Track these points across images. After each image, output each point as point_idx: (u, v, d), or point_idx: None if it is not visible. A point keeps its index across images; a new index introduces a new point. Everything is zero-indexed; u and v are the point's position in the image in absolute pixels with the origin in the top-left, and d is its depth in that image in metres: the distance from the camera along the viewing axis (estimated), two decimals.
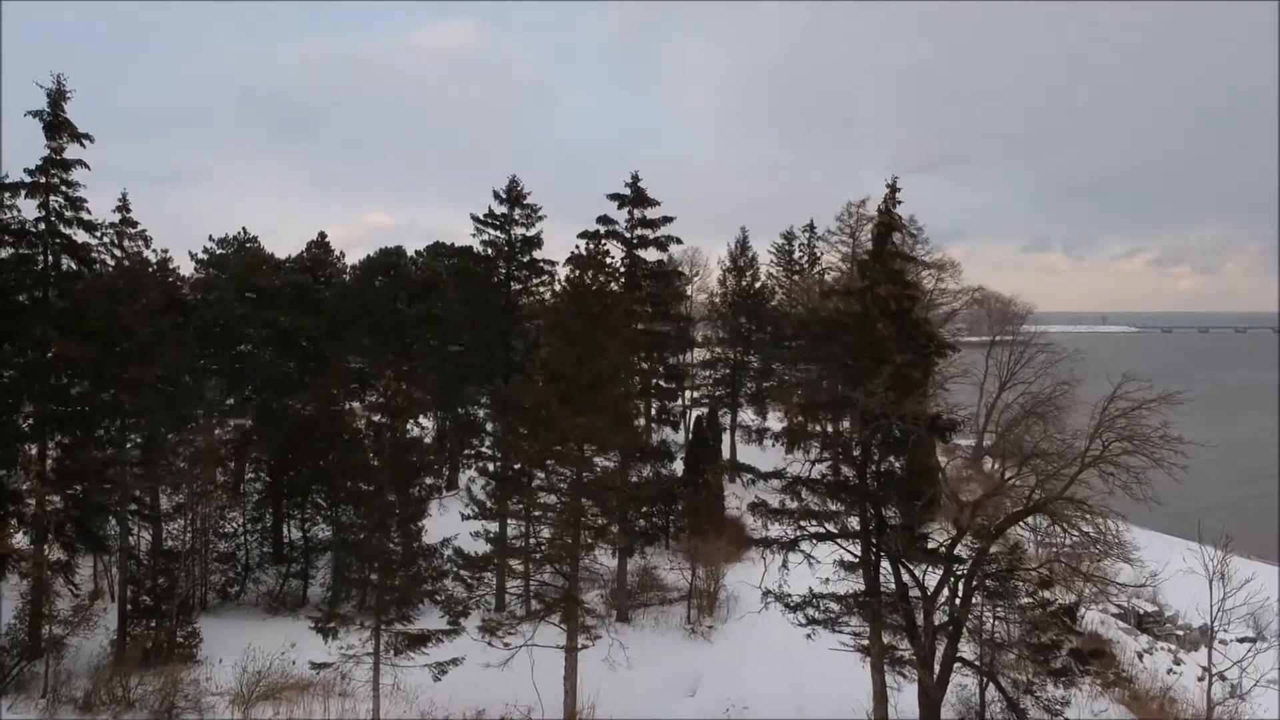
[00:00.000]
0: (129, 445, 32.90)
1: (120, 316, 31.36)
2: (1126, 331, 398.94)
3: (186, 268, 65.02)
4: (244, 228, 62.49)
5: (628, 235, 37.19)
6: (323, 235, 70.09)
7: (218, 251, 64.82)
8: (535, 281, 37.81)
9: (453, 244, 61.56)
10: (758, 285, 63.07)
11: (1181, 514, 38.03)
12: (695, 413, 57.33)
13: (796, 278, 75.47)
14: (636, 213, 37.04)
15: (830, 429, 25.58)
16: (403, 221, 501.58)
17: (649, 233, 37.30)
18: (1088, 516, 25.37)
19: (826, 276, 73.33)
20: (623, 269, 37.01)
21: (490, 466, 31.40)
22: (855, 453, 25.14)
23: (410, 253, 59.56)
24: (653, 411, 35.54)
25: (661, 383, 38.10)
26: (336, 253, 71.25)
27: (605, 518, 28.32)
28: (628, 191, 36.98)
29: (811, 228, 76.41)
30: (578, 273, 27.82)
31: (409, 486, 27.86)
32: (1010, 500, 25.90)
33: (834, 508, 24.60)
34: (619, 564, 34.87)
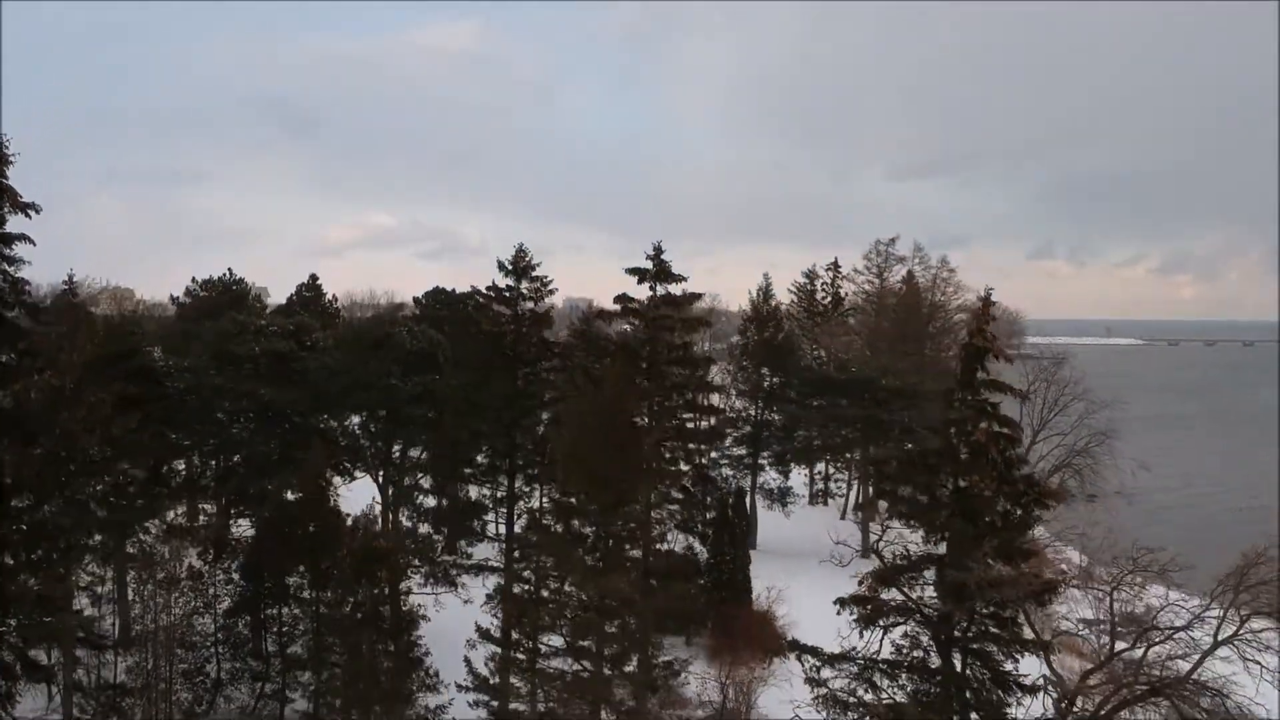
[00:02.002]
0: (77, 568, 28.44)
1: (62, 422, 26.89)
2: (1132, 344, 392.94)
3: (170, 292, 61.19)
4: (229, 268, 58.44)
5: (650, 316, 32.50)
6: (314, 278, 65.94)
7: (201, 294, 60.52)
8: (545, 366, 33.31)
9: (453, 290, 57.13)
10: (780, 336, 58.43)
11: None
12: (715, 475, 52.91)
13: (819, 317, 71.39)
14: (659, 289, 32.39)
15: (907, 591, 21.12)
16: (405, 221, 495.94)
17: (673, 313, 32.61)
18: (1220, 703, 21.22)
19: (850, 320, 69.28)
20: (644, 355, 32.27)
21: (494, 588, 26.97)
22: (937, 623, 20.75)
23: (409, 300, 55.29)
24: (674, 522, 31.07)
25: (689, 484, 33.59)
26: (329, 295, 66.95)
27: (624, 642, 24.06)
28: (649, 265, 32.37)
29: (835, 266, 72.44)
30: (598, 382, 23.54)
31: (400, 640, 23.50)
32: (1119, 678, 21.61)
33: (921, 698, 20.13)
34: (639, 699, 30.39)
